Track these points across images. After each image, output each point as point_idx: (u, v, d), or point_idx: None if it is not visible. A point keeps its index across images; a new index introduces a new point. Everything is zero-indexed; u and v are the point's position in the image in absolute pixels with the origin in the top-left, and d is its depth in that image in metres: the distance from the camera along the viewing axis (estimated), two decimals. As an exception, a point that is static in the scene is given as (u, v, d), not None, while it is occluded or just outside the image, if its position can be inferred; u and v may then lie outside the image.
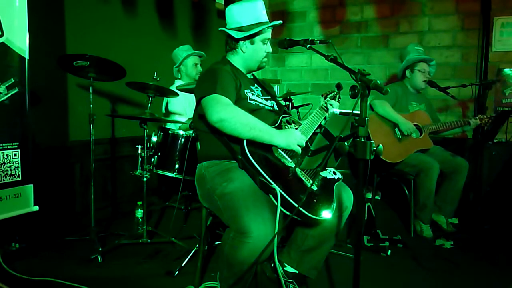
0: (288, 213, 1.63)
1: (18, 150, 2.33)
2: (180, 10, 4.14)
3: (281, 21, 2.07)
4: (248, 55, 2.04)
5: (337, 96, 1.97)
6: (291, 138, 1.78)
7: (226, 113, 1.73)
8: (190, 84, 2.75)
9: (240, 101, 1.88)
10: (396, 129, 3.14)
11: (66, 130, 3.12)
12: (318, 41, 1.84)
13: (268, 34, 2.03)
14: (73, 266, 2.38)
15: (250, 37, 2.01)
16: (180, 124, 3.17)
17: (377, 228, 2.97)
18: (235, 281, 1.69)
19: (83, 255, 2.47)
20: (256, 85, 2.11)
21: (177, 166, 2.76)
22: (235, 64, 2.06)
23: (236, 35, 1.99)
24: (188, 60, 3.44)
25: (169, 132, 2.83)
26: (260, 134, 1.73)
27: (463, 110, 4.12)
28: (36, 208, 2.42)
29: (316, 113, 1.96)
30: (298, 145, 1.80)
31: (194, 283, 2.15)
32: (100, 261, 2.43)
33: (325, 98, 1.97)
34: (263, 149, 1.75)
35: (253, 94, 2.00)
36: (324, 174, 1.86)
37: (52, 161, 2.93)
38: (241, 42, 2.03)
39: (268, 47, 2.06)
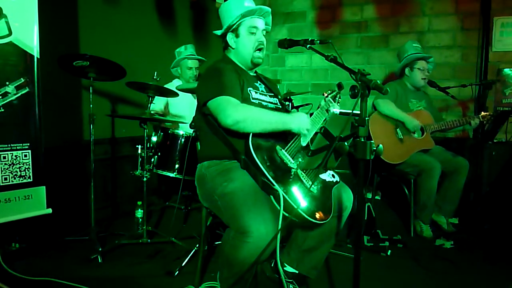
0: (287, 215, 1.63)
1: (29, 151, 2.32)
2: (180, 10, 4.14)
3: (260, 6, 1.98)
4: (238, 50, 2.01)
5: (338, 96, 1.93)
6: (302, 123, 1.81)
7: (240, 114, 1.73)
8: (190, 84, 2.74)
9: (243, 100, 1.86)
10: (398, 130, 3.14)
11: (80, 129, 3.14)
12: (318, 41, 1.83)
13: (253, 22, 1.97)
14: (73, 266, 2.38)
15: (233, 31, 1.99)
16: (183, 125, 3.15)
17: (377, 228, 2.98)
18: (235, 281, 1.69)
19: (83, 255, 2.47)
20: (259, 82, 2.08)
21: (177, 166, 2.76)
22: (235, 61, 2.04)
23: (220, 33, 1.98)
24: (183, 62, 3.44)
25: (169, 132, 2.83)
26: (276, 126, 1.77)
27: (463, 110, 4.11)
28: (49, 210, 2.40)
29: (316, 114, 1.93)
30: (307, 129, 1.83)
31: (194, 283, 2.15)
32: (100, 261, 2.43)
33: (326, 97, 1.93)
34: (267, 150, 1.75)
35: (256, 92, 1.98)
36: (323, 176, 1.86)
37: (58, 161, 2.92)
38: (228, 39, 2.01)
39: (259, 37, 1.98)
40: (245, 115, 1.74)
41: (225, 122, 1.74)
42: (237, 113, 1.73)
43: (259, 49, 2.00)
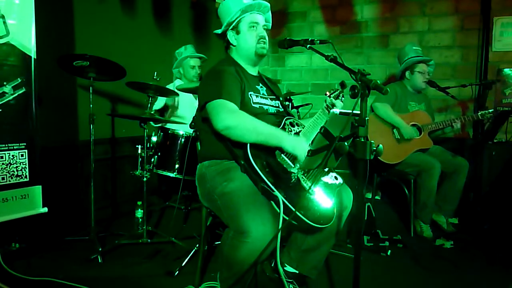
0: (287, 218, 1.62)
1: (26, 150, 2.32)
2: (180, 10, 4.14)
3: (259, 1, 1.98)
4: (240, 46, 2.00)
5: (341, 94, 1.91)
6: (298, 148, 1.73)
7: (231, 121, 1.71)
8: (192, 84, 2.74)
9: (243, 105, 1.86)
10: (395, 130, 3.14)
11: (75, 130, 3.13)
12: (318, 41, 1.82)
13: (253, 17, 1.97)
14: (73, 266, 2.38)
15: (233, 28, 1.98)
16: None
17: (377, 228, 2.98)
18: (235, 281, 1.69)
19: (83, 255, 2.47)
20: (261, 84, 2.07)
21: (177, 166, 2.75)
22: (237, 61, 2.03)
23: (220, 31, 1.98)
24: (185, 62, 3.44)
25: (169, 132, 2.83)
26: (267, 139, 1.72)
27: (463, 110, 4.11)
28: (45, 209, 2.40)
29: (319, 114, 1.91)
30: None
31: (194, 283, 2.15)
32: (100, 261, 2.43)
33: (329, 97, 1.90)
34: (266, 154, 1.73)
35: (257, 96, 1.97)
36: (325, 179, 1.85)
37: (55, 161, 2.92)
38: (229, 36, 2.00)
39: (260, 31, 1.98)
40: (237, 122, 1.71)
41: (217, 126, 1.73)
42: (229, 119, 1.71)
43: (262, 43, 1.99)
